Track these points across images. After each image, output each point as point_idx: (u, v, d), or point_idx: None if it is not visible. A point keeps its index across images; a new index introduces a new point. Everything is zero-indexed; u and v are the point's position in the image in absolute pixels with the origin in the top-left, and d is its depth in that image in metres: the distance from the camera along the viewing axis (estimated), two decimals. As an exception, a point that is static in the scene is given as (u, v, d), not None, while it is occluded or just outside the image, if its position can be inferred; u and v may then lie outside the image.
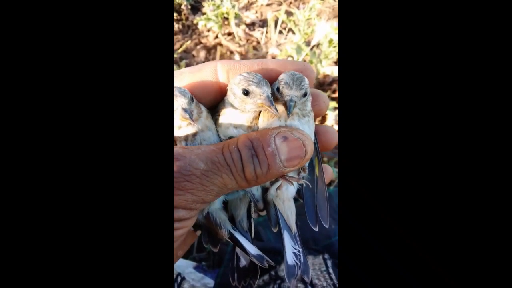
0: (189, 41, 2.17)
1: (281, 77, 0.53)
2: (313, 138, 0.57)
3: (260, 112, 0.55)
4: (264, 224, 1.44)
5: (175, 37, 2.22)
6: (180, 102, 0.50)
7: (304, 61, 2.02)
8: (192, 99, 0.52)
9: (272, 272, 1.14)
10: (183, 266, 1.25)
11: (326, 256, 1.15)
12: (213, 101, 0.58)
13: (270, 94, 0.51)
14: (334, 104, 1.82)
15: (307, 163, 0.57)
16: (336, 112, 1.83)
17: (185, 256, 1.47)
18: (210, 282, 1.20)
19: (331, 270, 1.07)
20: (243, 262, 0.62)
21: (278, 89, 0.52)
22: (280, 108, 0.53)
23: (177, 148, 0.49)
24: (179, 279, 1.08)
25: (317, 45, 1.97)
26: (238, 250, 0.61)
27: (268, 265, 0.58)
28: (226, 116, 0.55)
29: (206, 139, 0.55)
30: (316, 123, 0.61)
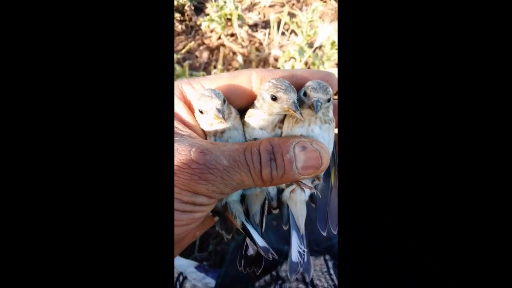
0: (193, 42, 2.18)
1: (308, 83, 0.57)
2: (331, 146, 0.61)
3: (285, 116, 0.60)
4: (267, 225, 1.45)
5: (179, 37, 2.23)
6: (214, 103, 0.56)
7: (306, 63, 2.03)
8: (224, 101, 0.57)
9: (274, 273, 1.15)
10: (184, 265, 1.26)
11: (327, 257, 1.16)
12: (243, 104, 0.63)
13: (296, 100, 0.55)
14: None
15: (322, 172, 0.61)
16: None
17: (187, 256, 1.48)
18: (211, 282, 1.21)
19: (332, 271, 1.08)
20: (250, 251, 0.68)
21: (305, 93, 0.56)
22: (305, 112, 0.57)
23: (206, 143, 0.55)
24: (181, 278, 1.09)
25: (320, 47, 1.98)
26: (248, 240, 0.66)
27: (272, 258, 0.62)
28: (253, 119, 0.60)
29: (233, 138, 0.61)
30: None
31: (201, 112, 0.58)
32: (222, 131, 0.60)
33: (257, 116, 0.60)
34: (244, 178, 0.53)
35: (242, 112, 0.63)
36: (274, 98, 0.55)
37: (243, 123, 0.62)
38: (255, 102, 0.60)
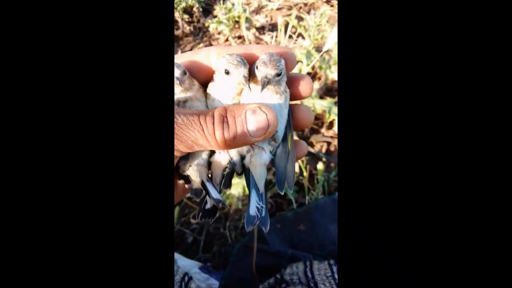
0: (201, 44, 2.19)
1: (261, 56, 0.62)
2: (285, 114, 0.67)
3: (242, 88, 0.65)
4: (270, 229, 1.45)
5: (187, 39, 2.25)
6: (175, 73, 0.61)
7: (314, 67, 2.03)
8: (185, 72, 0.63)
9: (278, 276, 1.15)
10: (188, 266, 1.26)
11: (332, 261, 1.15)
12: (203, 78, 0.69)
13: (246, 74, 0.61)
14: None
15: (278, 135, 0.68)
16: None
17: (191, 256, 1.48)
18: (215, 283, 1.21)
19: (336, 276, 1.08)
20: (208, 205, 0.74)
21: (257, 67, 0.62)
22: (255, 86, 0.63)
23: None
24: (186, 278, 1.09)
25: (326, 51, 1.98)
26: (207, 197, 0.72)
27: (221, 206, 0.70)
28: (214, 91, 0.67)
29: (195, 107, 0.66)
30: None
31: None
32: (185, 101, 0.65)
33: (217, 88, 0.66)
34: (198, 137, 0.58)
35: (205, 85, 0.69)
36: (227, 72, 0.61)
37: (205, 95, 0.68)
38: (214, 76, 0.66)
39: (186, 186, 0.73)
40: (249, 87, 0.61)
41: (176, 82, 0.61)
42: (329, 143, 1.88)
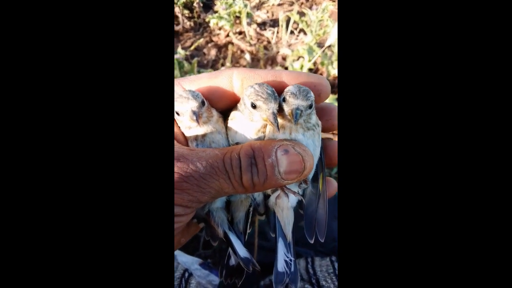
0: (201, 39, 2.18)
1: (287, 88, 0.54)
2: (318, 152, 0.59)
3: None
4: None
5: (187, 34, 2.23)
6: (190, 105, 0.53)
7: (315, 62, 2.02)
8: (203, 102, 0.55)
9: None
10: (189, 262, 1.25)
11: (333, 258, 1.15)
12: (225, 106, 0.60)
13: (275, 110, 0.53)
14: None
15: (310, 176, 0.59)
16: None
17: (191, 253, 1.48)
18: (215, 279, 1.20)
19: (338, 272, 1.07)
20: (232, 261, 0.65)
21: (284, 99, 0.54)
22: (286, 119, 0.55)
23: (182, 149, 0.51)
24: (186, 274, 1.08)
25: (329, 47, 1.97)
26: (230, 249, 0.63)
27: (252, 269, 0.60)
28: (236, 122, 0.58)
29: (216, 142, 0.58)
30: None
31: (177, 114, 0.55)
32: (203, 135, 0.57)
33: (240, 119, 0.57)
34: (224, 186, 0.51)
35: (226, 113, 0.60)
36: (253, 106, 0.53)
37: (226, 126, 0.59)
38: (238, 105, 0.57)
39: (200, 225, 0.65)
40: (277, 126, 0.52)
41: (192, 117, 0.53)
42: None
